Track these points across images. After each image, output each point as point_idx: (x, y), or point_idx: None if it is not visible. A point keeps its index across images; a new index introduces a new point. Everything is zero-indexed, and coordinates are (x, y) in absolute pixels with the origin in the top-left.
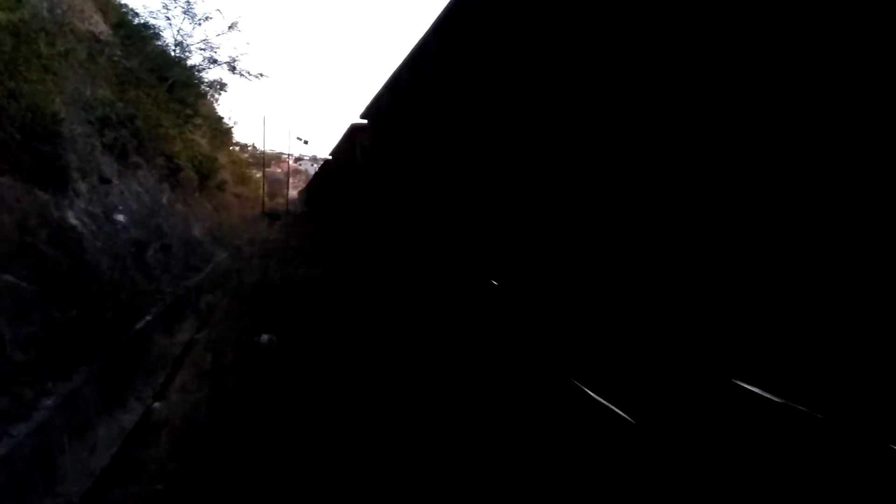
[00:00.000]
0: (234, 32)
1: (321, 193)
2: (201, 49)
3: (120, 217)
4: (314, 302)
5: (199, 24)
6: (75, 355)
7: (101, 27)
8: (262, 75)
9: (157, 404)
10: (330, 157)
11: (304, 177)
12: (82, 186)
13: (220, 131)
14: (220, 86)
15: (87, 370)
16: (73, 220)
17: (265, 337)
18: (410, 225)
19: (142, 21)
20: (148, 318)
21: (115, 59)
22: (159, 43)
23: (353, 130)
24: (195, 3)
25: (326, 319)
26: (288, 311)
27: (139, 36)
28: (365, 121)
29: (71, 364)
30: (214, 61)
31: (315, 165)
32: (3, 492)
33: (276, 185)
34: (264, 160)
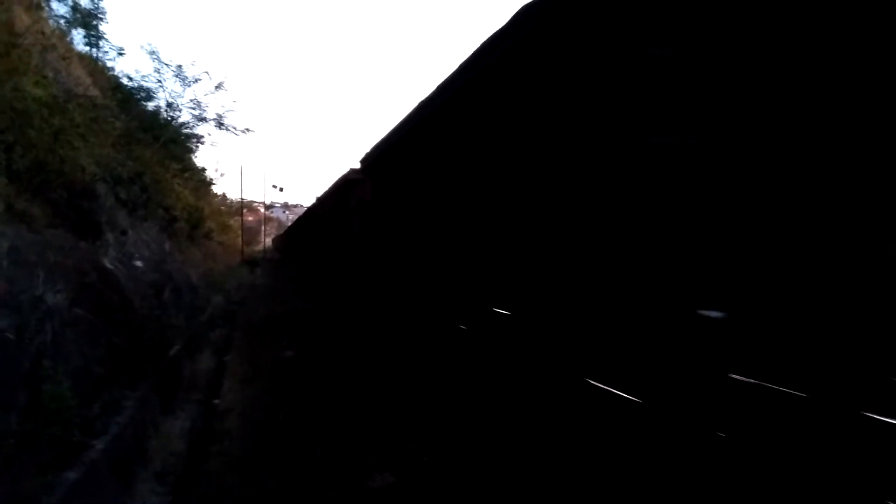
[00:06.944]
0: (220, 91)
1: (299, 243)
2: (191, 108)
3: (138, 263)
4: (309, 329)
5: (189, 86)
6: (134, 372)
7: (93, 91)
8: (248, 130)
9: (216, 401)
10: (310, 208)
11: (276, 224)
12: (110, 237)
13: (204, 182)
14: (210, 142)
15: (146, 383)
16: (109, 265)
17: (288, 353)
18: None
19: (136, 84)
20: (177, 346)
21: (112, 120)
22: (152, 104)
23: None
24: (186, 66)
25: (323, 340)
26: (291, 336)
27: (134, 98)
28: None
29: (133, 378)
30: (203, 119)
31: (287, 212)
32: (123, 452)
33: (250, 234)
34: (242, 210)
